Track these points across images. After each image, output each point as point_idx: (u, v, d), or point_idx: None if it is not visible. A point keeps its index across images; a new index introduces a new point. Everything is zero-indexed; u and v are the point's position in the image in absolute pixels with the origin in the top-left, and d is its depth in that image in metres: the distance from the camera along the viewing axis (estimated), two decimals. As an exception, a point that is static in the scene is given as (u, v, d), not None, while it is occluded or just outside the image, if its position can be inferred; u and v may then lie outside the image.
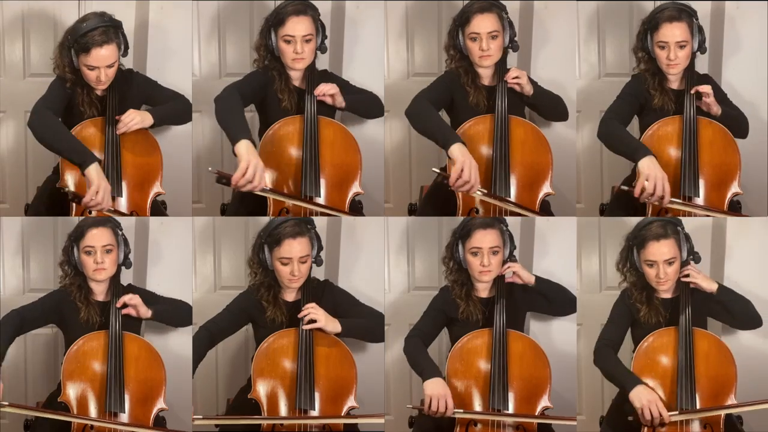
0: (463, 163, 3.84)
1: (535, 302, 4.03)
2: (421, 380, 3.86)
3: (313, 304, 3.92)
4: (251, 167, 3.79)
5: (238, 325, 4.02)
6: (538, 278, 3.99)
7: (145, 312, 3.95)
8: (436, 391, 3.83)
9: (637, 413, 3.79)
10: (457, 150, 3.85)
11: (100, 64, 3.91)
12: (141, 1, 4.25)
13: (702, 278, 3.92)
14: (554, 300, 4.02)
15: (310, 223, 3.94)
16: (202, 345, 3.93)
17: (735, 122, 4.06)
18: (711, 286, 3.91)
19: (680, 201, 3.92)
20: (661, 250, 3.87)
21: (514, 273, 3.97)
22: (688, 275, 3.91)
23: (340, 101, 4.05)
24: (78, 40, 3.90)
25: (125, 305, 3.92)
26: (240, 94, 3.95)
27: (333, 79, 4.10)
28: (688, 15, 3.96)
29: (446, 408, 3.82)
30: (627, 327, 3.99)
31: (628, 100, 4.03)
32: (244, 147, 3.80)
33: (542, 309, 4.06)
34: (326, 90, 4.02)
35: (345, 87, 4.10)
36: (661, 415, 3.78)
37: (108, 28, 3.90)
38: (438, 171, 3.90)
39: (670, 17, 3.95)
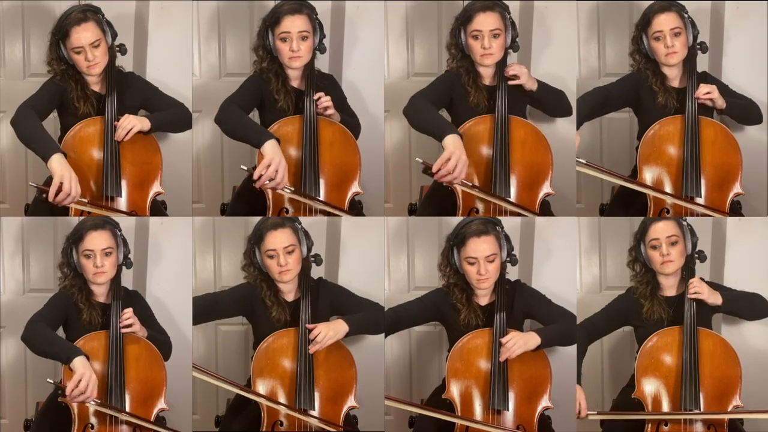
0: (452, 153, 3.82)
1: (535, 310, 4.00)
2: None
3: (315, 330, 3.89)
4: (273, 165, 3.87)
5: (238, 310, 4.00)
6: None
7: (143, 333, 3.95)
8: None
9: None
10: (449, 140, 3.84)
11: (83, 42, 3.93)
12: (141, 1, 4.25)
13: (707, 293, 3.89)
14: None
15: (295, 220, 3.95)
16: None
17: (745, 110, 4.07)
18: (716, 300, 3.90)
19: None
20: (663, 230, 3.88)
21: (696, 293, 3.89)
22: (695, 292, 3.88)
23: (331, 112, 4.05)
24: (60, 28, 3.95)
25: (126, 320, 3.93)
26: (239, 105, 3.98)
27: (333, 88, 4.10)
28: (678, 6, 3.99)
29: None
30: (615, 324, 3.97)
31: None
32: (269, 146, 3.88)
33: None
34: (322, 104, 4.02)
35: (341, 104, 4.10)
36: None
37: (86, 10, 3.96)
38: (421, 161, 3.88)
39: (661, 8, 3.98)
